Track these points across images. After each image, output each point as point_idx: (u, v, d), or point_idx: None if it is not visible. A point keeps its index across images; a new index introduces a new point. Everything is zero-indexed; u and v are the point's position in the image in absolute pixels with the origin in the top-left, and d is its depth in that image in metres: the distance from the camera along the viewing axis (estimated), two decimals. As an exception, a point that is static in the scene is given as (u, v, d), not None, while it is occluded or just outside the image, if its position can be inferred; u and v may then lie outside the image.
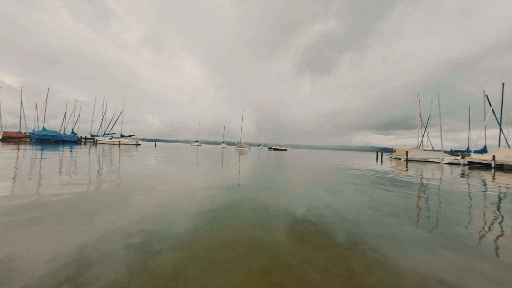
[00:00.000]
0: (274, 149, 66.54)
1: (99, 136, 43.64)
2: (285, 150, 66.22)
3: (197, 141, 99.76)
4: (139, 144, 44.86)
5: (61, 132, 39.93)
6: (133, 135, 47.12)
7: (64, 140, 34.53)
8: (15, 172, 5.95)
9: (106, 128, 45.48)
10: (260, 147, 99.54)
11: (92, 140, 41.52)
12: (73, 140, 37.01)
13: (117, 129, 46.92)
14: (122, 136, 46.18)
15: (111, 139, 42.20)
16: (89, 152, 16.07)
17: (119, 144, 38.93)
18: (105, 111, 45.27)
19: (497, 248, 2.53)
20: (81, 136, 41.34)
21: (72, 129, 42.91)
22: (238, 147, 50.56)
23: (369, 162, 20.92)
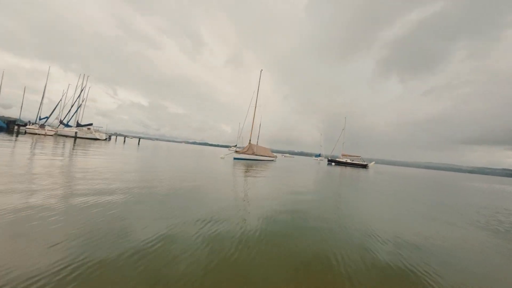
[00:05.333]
0: (339, 163, 34.05)
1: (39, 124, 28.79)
2: (365, 166, 32.30)
3: (236, 145, 79.29)
4: (96, 138, 28.03)
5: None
6: (91, 124, 29.93)
7: None
8: None
9: (65, 115, 30.47)
10: (319, 158, 66.86)
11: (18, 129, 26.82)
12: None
13: (92, 117, 29.90)
14: (78, 125, 29.82)
15: (43, 127, 25.92)
16: None
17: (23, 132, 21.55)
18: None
19: None
20: (7, 122, 27.45)
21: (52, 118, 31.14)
22: (243, 152, 20.34)
23: None
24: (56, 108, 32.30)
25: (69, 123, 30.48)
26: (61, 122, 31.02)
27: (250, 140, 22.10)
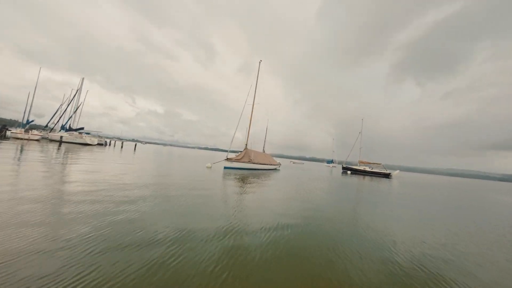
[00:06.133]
0: (356, 172, 29.47)
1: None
2: (387, 175, 27.47)
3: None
4: (86, 143, 25.88)
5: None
6: (82, 128, 28.18)
7: None
8: None
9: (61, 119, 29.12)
10: (331, 164, 61.95)
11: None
12: None
13: (84, 121, 28.73)
14: (70, 129, 28.22)
15: (27, 131, 24.36)
16: None
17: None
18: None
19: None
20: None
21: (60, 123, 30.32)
22: (237, 159, 16.37)
23: None
24: (57, 113, 31.33)
25: (66, 127, 29.06)
26: (62, 126, 29.87)
27: (246, 144, 18.61)
